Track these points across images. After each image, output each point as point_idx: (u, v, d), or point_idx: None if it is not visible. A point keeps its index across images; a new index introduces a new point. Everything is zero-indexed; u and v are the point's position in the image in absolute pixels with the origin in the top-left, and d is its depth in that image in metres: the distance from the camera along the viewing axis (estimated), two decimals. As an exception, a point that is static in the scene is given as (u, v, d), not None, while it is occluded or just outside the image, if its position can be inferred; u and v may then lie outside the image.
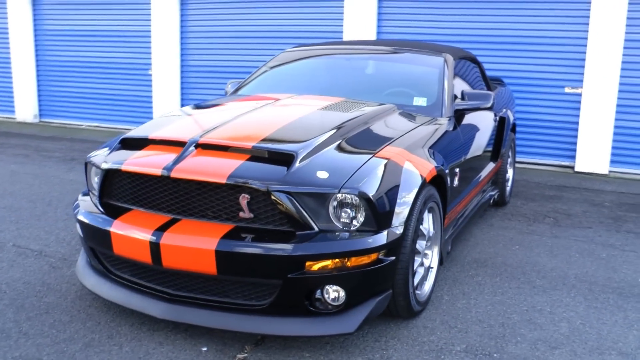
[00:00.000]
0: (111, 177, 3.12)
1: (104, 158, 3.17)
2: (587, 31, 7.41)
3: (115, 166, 3.02)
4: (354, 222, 2.79)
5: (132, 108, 10.17)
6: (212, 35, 9.50)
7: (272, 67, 4.83)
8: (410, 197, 2.98)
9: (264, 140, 2.97)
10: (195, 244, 2.71)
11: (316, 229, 2.74)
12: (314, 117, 3.39)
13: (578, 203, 6.08)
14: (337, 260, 2.70)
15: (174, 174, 2.79)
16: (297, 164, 2.79)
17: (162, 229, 2.80)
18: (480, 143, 4.52)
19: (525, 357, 2.95)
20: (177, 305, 2.89)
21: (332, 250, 2.68)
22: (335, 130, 3.15)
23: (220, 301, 2.85)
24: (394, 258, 2.87)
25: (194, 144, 2.94)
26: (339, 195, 2.73)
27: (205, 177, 2.75)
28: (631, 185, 7.03)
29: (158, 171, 2.83)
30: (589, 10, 7.38)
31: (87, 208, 3.20)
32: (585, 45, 7.43)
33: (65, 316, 3.25)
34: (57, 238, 4.52)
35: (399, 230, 2.88)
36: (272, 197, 2.70)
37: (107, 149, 3.31)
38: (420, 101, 4.04)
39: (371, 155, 2.99)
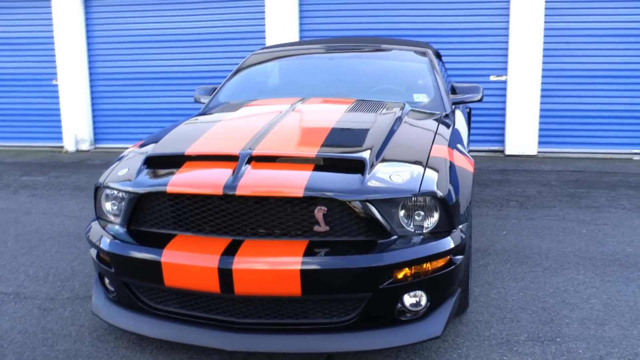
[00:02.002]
0: (145, 202, 2.78)
1: (128, 180, 2.82)
2: (508, 22, 7.81)
3: (156, 189, 2.69)
4: (425, 224, 2.70)
5: (37, 122, 9.28)
6: (123, 40, 8.91)
7: (247, 70, 4.59)
8: (467, 194, 2.94)
9: (322, 149, 2.79)
10: (275, 265, 2.48)
11: (395, 235, 2.62)
12: (349, 121, 3.24)
13: (528, 184, 6.40)
14: (421, 265, 2.60)
15: (240, 192, 2.53)
16: (369, 171, 2.65)
17: (229, 253, 2.54)
18: (467, 135, 4.60)
19: (585, 338, 3.03)
20: (247, 334, 2.64)
21: (419, 256, 2.57)
22: (379, 133, 3.04)
23: (294, 323, 2.65)
24: (463, 257, 2.82)
25: (247, 157, 2.69)
26: (417, 198, 2.63)
27: (279, 192, 2.52)
28: (562, 163, 7.53)
29: (218, 190, 2.56)
30: (508, 1, 7.77)
31: (110, 238, 2.84)
32: (507, 35, 7.83)
33: (96, 363, 2.87)
34: (27, 276, 3.99)
35: (465, 228, 2.84)
36: (353, 207, 2.54)
37: (125, 170, 2.95)
38: (420, 97, 4.02)
39: (427, 156, 2.91)
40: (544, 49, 7.70)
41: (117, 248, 2.76)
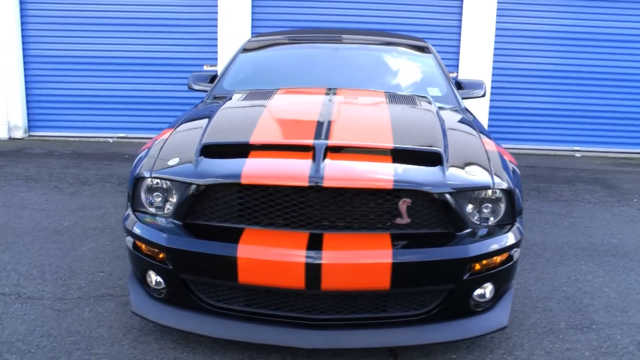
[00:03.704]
0: (207, 193, 2.61)
1: (186, 170, 2.64)
2: (460, 20, 8.07)
3: (227, 180, 2.52)
4: (492, 217, 2.73)
5: (-39, 107, 8.43)
6: (61, 21, 8.25)
7: (247, 59, 4.41)
8: (520, 186, 3.01)
9: (396, 140, 2.73)
10: (366, 259, 2.42)
11: (470, 227, 2.63)
12: (400, 114, 3.18)
13: (492, 178, 6.64)
14: (494, 257, 2.64)
15: (327, 183, 2.44)
16: (446, 164, 2.64)
17: (314, 247, 2.44)
18: None
19: (616, 325, 3.20)
20: (326, 331, 2.56)
21: (497, 247, 2.61)
22: (434, 127, 3.02)
23: (372, 317, 2.60)
24: (519, 249, 2.89)
25: (324, 148, 2.58)
26: (490, 191, 2.66)
27: (368, 184, 2.46)
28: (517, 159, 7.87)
29: (303, 181, 2.44)
30: (462, 0, 8.03)
31: (167, 232, 2.62)
32: (460, 34, 8.08)
33: (149, 367, 2.67)
34: (19, 274, 3.64)
35: (521, 221, 2.90)
36: (436, 199, 2.53)
37: (176, 159, 2.74)
38: (434, 91, 4.05)
39: (484, 150, 2.94)
40: (495, 49, 8.02)
41: (179, 243, 2.57)
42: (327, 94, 3.46)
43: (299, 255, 2.41)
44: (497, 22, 7.96)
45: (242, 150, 2.68)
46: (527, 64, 8.13)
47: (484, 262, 2.62)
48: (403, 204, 2.54)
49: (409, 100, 3.52)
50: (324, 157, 2.54)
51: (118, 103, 8.43)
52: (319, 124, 2.84)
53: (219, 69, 8.38)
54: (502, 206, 2.72)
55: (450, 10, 8.10)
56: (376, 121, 2.98)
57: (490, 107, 8.17)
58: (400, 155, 2.63)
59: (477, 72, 7.99)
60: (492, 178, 2.68)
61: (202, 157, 2.68)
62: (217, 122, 3.02)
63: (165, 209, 2.75)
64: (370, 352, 2.79)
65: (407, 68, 4.37)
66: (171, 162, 2.75)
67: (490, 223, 2.72)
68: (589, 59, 8.14)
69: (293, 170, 2.49)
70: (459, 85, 4.45)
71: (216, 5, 8.25)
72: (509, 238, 2.68)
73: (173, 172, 2.67)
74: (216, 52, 8.35)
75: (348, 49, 4.44)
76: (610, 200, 5.80)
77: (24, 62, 8.31)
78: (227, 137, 2.82)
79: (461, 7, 8.03)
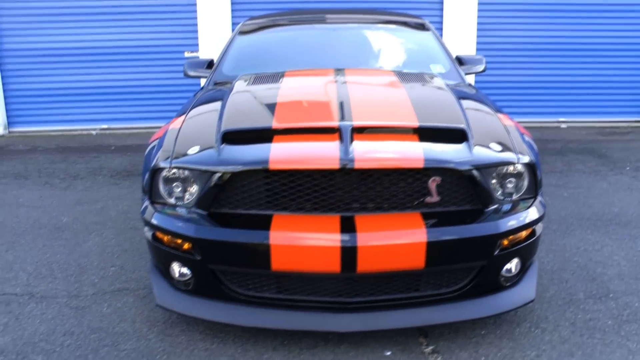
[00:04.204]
0: (233, 181, 2.56)
1: (209, 158, 2.58)
2: (442, 2, 8.06)
3: (254, 166, 2.48)
4: (515, 191, 2.74)
5: None
6: (36, 12, 7.98)
7: (244, 42, 4.33)
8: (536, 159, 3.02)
9: (420, 119, 2.70)
10: (401, 239, 2.41)
11: (496, 203, 2.64)
12: (416, 92, 3.16)
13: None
14: (521, 232, 2.65)
15: (358, 165, 2.41)
16: (471, 140, 2.63)
17: (348, 230, 2.42)
18: None
19: (632, 292, 3.25)
20: (361, 313, 2.55)
21: (525, 222, 2.62)
22: (453, 104, 3.00)
23: (405, 297, 2.60)
24: (541, 223, 2.91)
25: (350, 129, 2.55)
26: (512, 166, 2.66)
27: (400, 164, 2.43)
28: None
29: (334, 164, 2.41)
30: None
31: (194, 223, 2.57)
32: (442, 9, 8.07)
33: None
34: (28, 274, 3.55)
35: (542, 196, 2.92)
36: (465, 176, 2.52)
37: (196, 147, 2.67)
38: (438, 68, 4.03)
39: (502, 125, 2.93)
40: (478, 23, 8.03)
41: (209, 233, 2.52)
42: (336, 74, 3.42)
43: (334, 239, 2.39)
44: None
45: (265, 135, 2.63)
46: (511, 37, 8.15)
47: (511, 237, 2.63)
48: (433, 183, 2.53)
49: (419, 78, 3.49)
50: (352, 139, 2.51)
51: (99, 94, 8.23)
52: (340, 105, 2.80)
53: (200, 54, 8.26)
54: (525, 180, 2.73)
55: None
56: (396, 100, 2.96)
57: (475, 81, 8.18)
58: (426, 134, 2.62)
59: (461, 47, 7.99)
60: (516, 153, 2.68)
61: (223, 144, 2.63)
62: (231, 108, 2.95)
63: (185, 199, 2.69)
64: (401, 331, 2.79)
65: (408, 46, 4.34)
66: (191, 151, 2.68)
67: (514, 198, 2.72)
68: (571, 30, 8.18)
69: (322, 153, 2.46)
70: (459, 61, 4.44)
71: (195, -10, 8.09)
72: (535, 212, 2.69)
73: (195, 161, 2.61)
74: (197, 38, 8.20)
75: (346, 29, 4.39)
76: (603, 170, 5.89)
77: (0, 57, 8.04)
78: (247, 123, 2.77)
79: (442, -15, 8.02)
